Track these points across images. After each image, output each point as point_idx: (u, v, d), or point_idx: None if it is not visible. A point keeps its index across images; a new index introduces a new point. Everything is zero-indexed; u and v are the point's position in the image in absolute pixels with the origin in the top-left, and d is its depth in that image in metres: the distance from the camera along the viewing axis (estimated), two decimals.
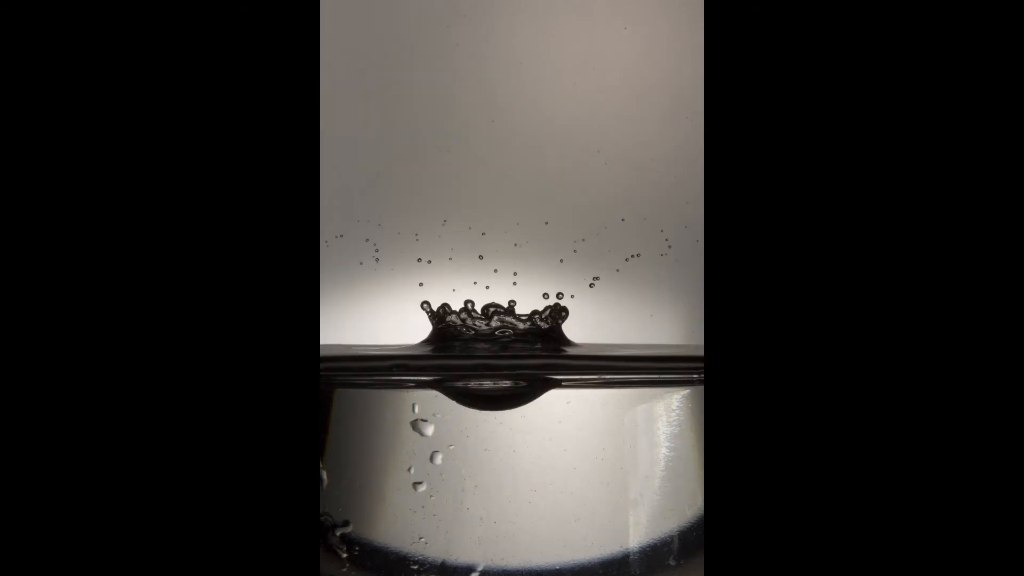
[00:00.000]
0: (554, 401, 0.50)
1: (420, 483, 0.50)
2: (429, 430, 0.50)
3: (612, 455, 0.50)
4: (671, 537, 0.51)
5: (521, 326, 0.57)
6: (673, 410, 0.51)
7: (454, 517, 0.50)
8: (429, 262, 0.63)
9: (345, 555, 0.51)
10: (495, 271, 0.59)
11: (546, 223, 0.63)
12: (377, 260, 0.63)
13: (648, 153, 0.63)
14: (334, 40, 0.60)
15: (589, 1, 0.62)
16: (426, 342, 0.56)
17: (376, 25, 0.63)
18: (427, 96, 0.62)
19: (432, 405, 0.50)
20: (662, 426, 0.51)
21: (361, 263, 0.63)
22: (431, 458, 0.50)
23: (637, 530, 0.51)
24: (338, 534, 0.51)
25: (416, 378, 0.51)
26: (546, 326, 0.57)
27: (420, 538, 0.50)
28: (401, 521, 0.50)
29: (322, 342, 0.57)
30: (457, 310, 0.56)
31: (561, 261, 0.63)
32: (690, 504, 0.51)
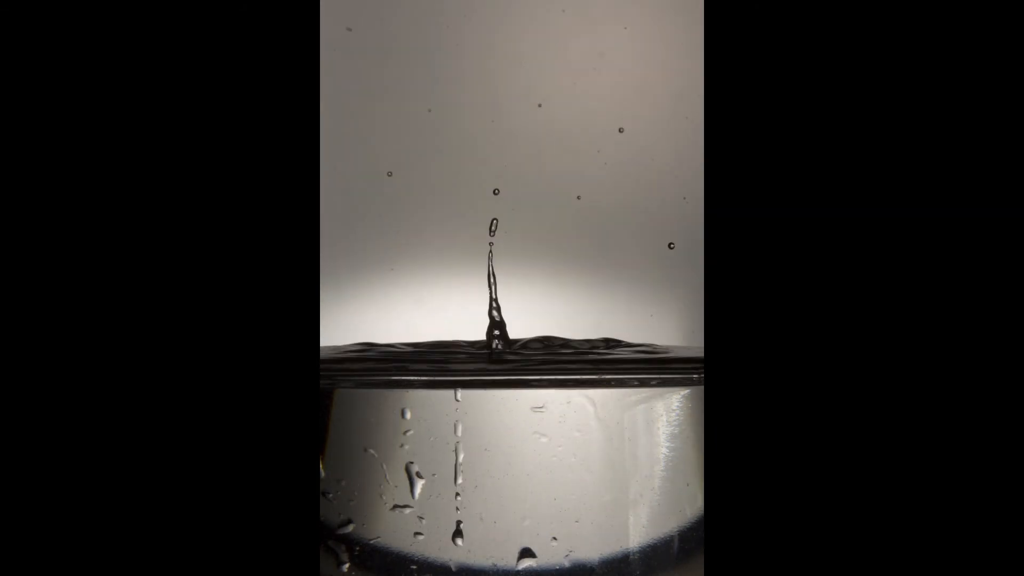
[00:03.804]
0: (554, 401, 0.50)
1: (420, 483, 0.50)
2: (430, 430, 0.50)
3: (612, 455, 0.50)
4: (671, 537, 0.51)
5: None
6: (673, 410, 0.51)
7: (454, 518, 0.50)
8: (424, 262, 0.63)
9: (345, 555, 0.51)
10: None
11: (545, 224, 0.63)
12: (377, 260, 0.63)
13: (648, 153, 0.63)
14: (334, 40, 0.60)
15: (589, 1, 0.62)
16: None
17: (376, 25, 0.63)
18: (427, 96, 0.62)
19: (432, 405, 0.50)
20: (662, 426, 0.51)
21: (361, 263, 0.63)
22: (431, 458, 0.50)
23: (637, 530, 0.51)
24: (338, 534, 0.51)
25: (417, 378, 0.51)
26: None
27: (420, 538, 0.50)
28: (401, 521, 0.50)
29: (322, 342, 0.57)
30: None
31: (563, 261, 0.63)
32: (690, 504, 0.51)
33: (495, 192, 0.59)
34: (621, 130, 0.60)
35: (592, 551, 0.50)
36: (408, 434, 0.50)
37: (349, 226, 0.63)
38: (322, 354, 0.55)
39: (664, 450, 0.51)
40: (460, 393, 0.50)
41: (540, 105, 0.60)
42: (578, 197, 0.60)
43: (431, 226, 0.63)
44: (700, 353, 0.55)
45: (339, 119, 0.61)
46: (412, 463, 0.50)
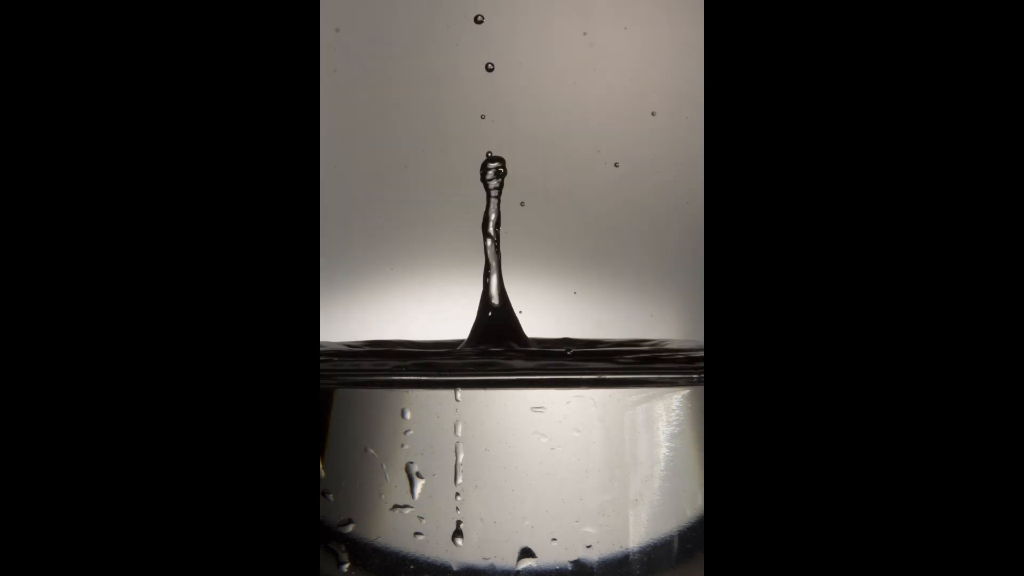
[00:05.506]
0: (554, 401, 0.50)
1: (420, 483, 0.50)
2: (430, 430, 0.50)
3: (612, 455, 0.50)
4: (671, 537, 0.51)
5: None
6: (673, 410, 0.51)
7: (454, 518, 0.50)
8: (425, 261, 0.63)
9: (345, 555, 0.51)
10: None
11: (546, 224, 0.63)
12: (377, 260, 0.63)
13: (648, 153, 0.63)
14: (334, 40, 0.60)
15: (589, 1, 0.62)
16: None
17: (376, 26, 0.63)
18: (427, 97, 0.62)
19: (432, 405, 0.51)
20: (662, 426, 0.51)
21: (360, 263, 0.63)
22: (431, 458, 0.50)
23: (637, 530, 0.51)
24: (338, 534, 0.51)
25: (416, 378, 0.51)
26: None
27: (420, 538, 0.50)
28: (401, 521, 0.50)
29: (322, 342, 0.57)
30: None
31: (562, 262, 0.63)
32: (690, 504, 0.51)
33: (483, 116, 0.59)
34: (654, 113, 0.60)
35: (592, 551, 0.50)
36: (408, 434, 0.50)
37: (349, 226, 0.63)
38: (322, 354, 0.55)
39: (664, 450, 0.51)
40: (460, 393, 0.50)
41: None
42: (613, 163, 0.60)
43: (432, 226, 0.63)
44: (700, 353, 0.55)
45: (339, 119, 0.61)
46: (412, 463, 0.50)
